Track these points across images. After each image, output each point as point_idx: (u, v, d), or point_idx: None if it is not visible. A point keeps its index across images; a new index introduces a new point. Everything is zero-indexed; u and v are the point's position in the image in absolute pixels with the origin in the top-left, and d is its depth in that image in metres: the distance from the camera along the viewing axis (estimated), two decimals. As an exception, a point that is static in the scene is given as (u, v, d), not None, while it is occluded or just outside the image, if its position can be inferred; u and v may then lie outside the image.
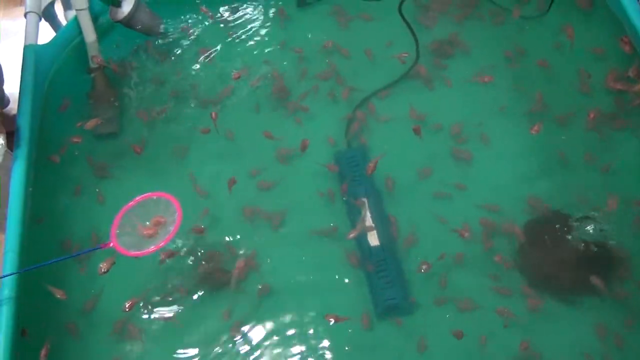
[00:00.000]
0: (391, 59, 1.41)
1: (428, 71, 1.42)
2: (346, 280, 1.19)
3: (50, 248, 1.18)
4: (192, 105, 1.39)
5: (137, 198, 1.06)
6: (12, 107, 1.33)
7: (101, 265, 1.11)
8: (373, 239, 1.21)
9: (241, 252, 1.22)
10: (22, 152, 1.10)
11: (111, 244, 1.02)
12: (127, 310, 1.11)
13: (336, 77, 1.42)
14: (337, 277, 1.19)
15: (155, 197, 1.07)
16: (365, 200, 1.24)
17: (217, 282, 1.18)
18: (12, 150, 1.12)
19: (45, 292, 1.09)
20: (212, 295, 1.17)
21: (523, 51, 1.44)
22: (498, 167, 1.31)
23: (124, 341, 1.13)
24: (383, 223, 1.23)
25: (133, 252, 1.03)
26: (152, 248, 1.03)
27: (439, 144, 1.33)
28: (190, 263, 1.20)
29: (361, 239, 1.21)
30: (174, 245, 1.19)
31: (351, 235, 1.19)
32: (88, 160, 1.30)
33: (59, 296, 1.08)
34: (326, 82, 1.42)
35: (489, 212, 1.24)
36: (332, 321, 1.11)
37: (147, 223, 1.05)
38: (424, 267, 1.16)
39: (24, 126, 1.13)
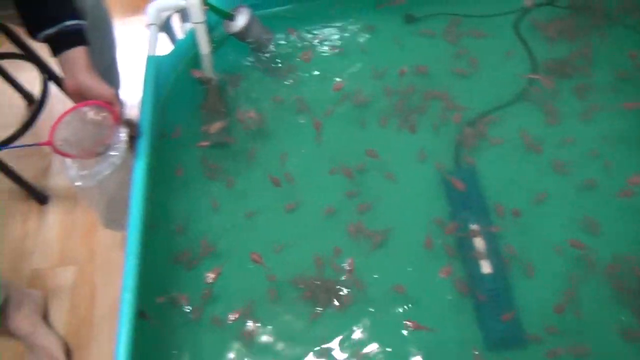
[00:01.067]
0: (503, 78, 1.36)
1: (544, 93, 1.36)
2: (453, 308, 1.15)
3: (162, 255, 1.22)
4: (298, 116, 1.40)
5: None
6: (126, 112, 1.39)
7: (208, 275, 1.13)
8: (485, 267, 1.16)
9: (344, 268, 1.20)
10: (142, 157, 1.13)
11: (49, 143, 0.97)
12: (232, 321, 1.12)
13: (445, 96, 1.38)
14: (443, 304, 1.15)
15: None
16: (476, 225, 1.20)
17: (322, 299, 1.17)
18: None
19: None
20: (316, 311, 1.16)
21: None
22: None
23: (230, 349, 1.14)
24: (495, 250, 1.18)
25: (73, 154, 1.00)
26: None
27: (555, 170, 1.27)
28: (292, 280, 1.20)
29: (472, 266, 1.17)
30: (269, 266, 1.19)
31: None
32: (202, 166, 1.33)
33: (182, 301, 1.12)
34: (435, 101, 1.38)
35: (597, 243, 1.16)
36: (410, 326, 1.08)
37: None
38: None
39: (146, 131, 1.16)
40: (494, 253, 1.18)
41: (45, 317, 1.37)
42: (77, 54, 0.98)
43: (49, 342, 1.30)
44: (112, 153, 1.04)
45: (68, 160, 1.03)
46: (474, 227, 1.20)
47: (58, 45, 0.98)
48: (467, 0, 1.52)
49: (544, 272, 1.17)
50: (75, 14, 0.99)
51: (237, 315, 1.13)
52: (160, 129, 1.28)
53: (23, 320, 1.30)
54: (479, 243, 1.18)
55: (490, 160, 1.30)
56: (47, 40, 0.98)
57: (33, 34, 0.98)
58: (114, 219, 1.23)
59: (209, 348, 1.13)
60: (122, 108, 1.03)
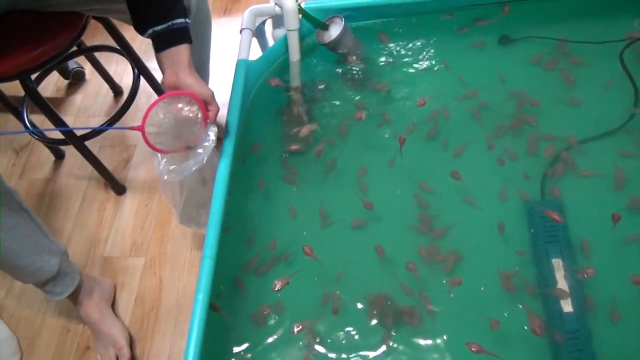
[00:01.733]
0: (599, 108, 1.30)
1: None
2: (526, 347, 1.09)
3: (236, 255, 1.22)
4: (380, 130, 1.38)
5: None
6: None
7: (276, 282, 1.12)
8: (566, 306, 1.10)
9: (414, 294, 1.17)
10: (227, 158, 1.14)
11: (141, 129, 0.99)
12: (294, 332, 1.11)
13: (537, 122, 1.34)
14: (514, 344, 1.10)
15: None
16: (560, 260, 1.14)
17: (389, 319, 1.14)
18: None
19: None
20: (384, 331, 1.13)
21: None
22: None
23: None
24: (577, 290, 1.12)
25: (158, 148, 1.02)
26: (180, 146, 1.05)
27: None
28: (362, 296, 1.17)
29: (550, 303, 1.11)
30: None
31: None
32: (283, 171, 1.34)
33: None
34: (525, 127, 1.34)
35: None
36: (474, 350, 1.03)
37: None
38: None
39: (232, 132, 1.17)
40: (576, 292, 1.12)
41: (113, 305, 1.41)
42: (181, 51, 1.00)
43: (115, 331, 1.33)
44: (199, 151, 1.06)
45: (159, 155, 1.05)
46: (556, 261, 1.14)
47: (163, 42, 1.00)
48: (565, 25, 1.47)
49: (630, 319, 1.09)
50: (184, 13, 1.01)
51: (300, 327, 1.12)
52: (244, 135, 1.30)
53: (92, 306, 1.34)
54: (561, 279, 1.13)
55: (578, 194, 1.24)
56: (155, 36, 1.00)
57: (141, 29, 1.01)
58: (190, 216, 1.24)
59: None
60: (217, 109, 1.05)
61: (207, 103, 1.02)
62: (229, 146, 1.14)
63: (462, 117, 1.37)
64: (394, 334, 1.13)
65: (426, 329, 1.13)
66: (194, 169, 1.04)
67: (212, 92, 1.02)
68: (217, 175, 1.11)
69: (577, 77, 1.39)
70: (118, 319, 1.37)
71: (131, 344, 1.35)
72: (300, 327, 1.11)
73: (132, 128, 0.98)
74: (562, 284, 1.12)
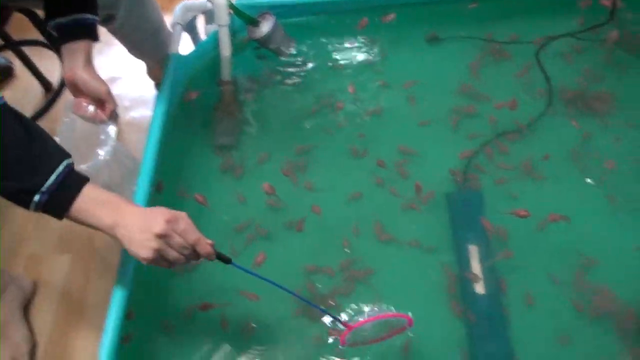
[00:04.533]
0: (520, 104, 1.39)
1: (558, 123, 1.38)
2: (446, 327, 1.14)
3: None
4: (309, 126, 1.42)
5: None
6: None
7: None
8: (479, 289, 1.16)
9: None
10: (150, 155, 1.14)
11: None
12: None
13: (454, 117, 1.40)
14: (436, 321, 1.15)
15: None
16: (475, 246, 1.21)
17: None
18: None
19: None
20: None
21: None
22: (615, 235, 1.23)
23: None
24: (492, 274, 1.18)
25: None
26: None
27: (554, 199, 1.27)
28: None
29: (467, 286, 1.17)
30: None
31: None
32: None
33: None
34: (449, 121, 1.41)
35: (602, 283, 1.16)
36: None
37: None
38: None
39: (156, 128, 1.18)
40: (492, 276, 1.18)
41: (27, 306, 1.35)
42: (81, 46, 0.99)
43: (18, 337, 1.27)
44: (100, 151, 1.07)
45: None
46: (472, 247, 1.20)
47: (64, 35, 0.99)
48: (492, 25, 1.55)
49: (543, 303, 1.16)
50: (94, 9, 1.01)
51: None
52: (172, 126, 1.30)
53: (3, 307, 1.28)
54: (477, 264, 1.19)
55: (495, 185, 1.30)
56: (58, 28, 0.99)
57: (48, 20, 1.00)
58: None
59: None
60: (114, 106, 1.04)
61: (103, 100, 1.02)
62: (154, 138, 1.15)
63: (392, 110, 1.43)
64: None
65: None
66: (98, 167, 1.05)
67: (108, 89, 1.01)
68: (140, 174, 1.11)
69: (499, 72, 1.47)
70: (26, 324, 1.31)
71: (33, 353, 1.28)
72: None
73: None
74: (476, 268, 1.18)
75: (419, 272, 1.21)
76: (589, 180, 1.30)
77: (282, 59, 1.47)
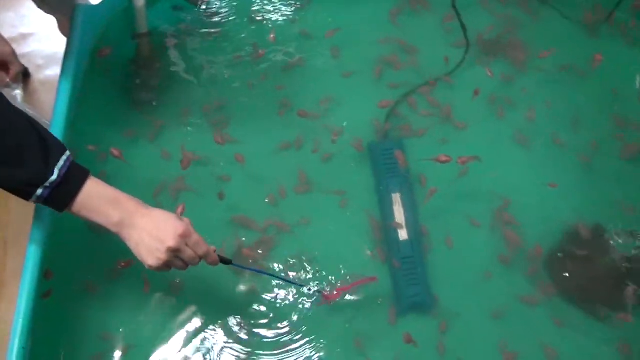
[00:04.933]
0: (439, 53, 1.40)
1: (472, 71, 1.40)
2: (372, 274, 1.17)
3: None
4: (229, 77, 1.38)
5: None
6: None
7: None
8: (402, 236, 1.20)
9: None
10: (61, 115, 1.10)
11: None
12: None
13: (377, 67, 1.40)
14: (363, 268, 1.18)
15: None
16: (398, 194, 1.24)
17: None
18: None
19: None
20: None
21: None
22: (530, 176, 1.30)
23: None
24: (413, 221, 1.22)
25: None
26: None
27: (473, 145, 1.32)
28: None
29: (390, 234, 1.21)
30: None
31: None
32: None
33: None
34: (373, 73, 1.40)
35: (517, 220, 1.23)
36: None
37: None
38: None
39: (65, 88, 1.13)
40: (414, 223, 1.22)
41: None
42: None
43: None
44: None
45: None
46: (395, 195, 1.23)
47: None
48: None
49: (462, 245, 1.22)
50: None
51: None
52: (82, 85, 1.24)
53: None
54: (399, 212, 1.22)
55: (417, 133, 1.33)
56: None
57: None
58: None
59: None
60: (20, 68, 0.99)
61: (6, 63, 0.96)
62: (64, 98, 1.10)
63: (314, 60, 1.41)
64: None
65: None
66: None
67: (11, 49, 0.96)
68: (52, 128, 1.06)
69: (417, 23, 1.47)
70: None
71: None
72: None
73: None
74: (399, 216, 1.22)
75: (344, 221, 1.24)
76: (505, 125, 1.35)
77: (199, 9, 1.42)
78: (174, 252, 0.83)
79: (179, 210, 1.12)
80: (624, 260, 1.17)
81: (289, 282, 1.13)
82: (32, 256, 0.94)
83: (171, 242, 0.81)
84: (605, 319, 1.14)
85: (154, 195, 1.22)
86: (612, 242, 1.18)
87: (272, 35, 1.39)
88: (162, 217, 0.84)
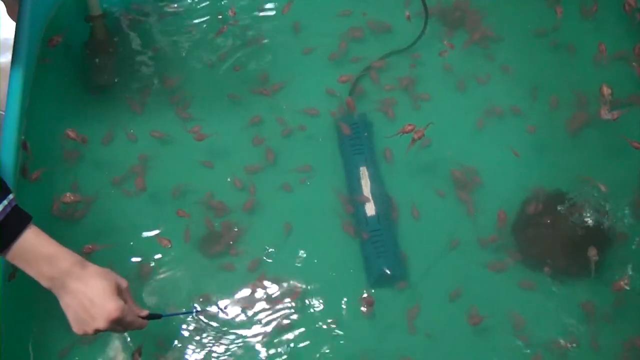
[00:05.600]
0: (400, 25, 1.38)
1: (432, 43, 1.40)
2: (341, 248, 1.20)
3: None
4: (188, 57, 1.36)
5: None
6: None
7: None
8: (369, 209, 1.21)
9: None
10: (15, 104, 1.07)
11: None
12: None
13: (343, 46, 1.39)
14: (332, 243, 1.21)
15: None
16: (364, 168, 1.24)
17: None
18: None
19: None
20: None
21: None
22: (493, 145, 1.31)
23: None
24: (380, 194, 1.23)
25: None
26: None
27: (436, 117, 1.29)
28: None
29: (358, 208, 1.22)
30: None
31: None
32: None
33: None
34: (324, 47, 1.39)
35: (481, 189, 1.25)
36: None
37: None
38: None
39: (17, 76, 1.10)
40: (379, 195, 1.23)
41: None
42: None
43: None
44: None
45: None
46: (362, 169, 1.24)
47: None
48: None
49: (428, 215, 1.24)
50: None
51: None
52: (35, 71, 1.22)
53: None
54: (366, 186, 1.23)
55: (381, 107, 1.33)
56: None
57: None
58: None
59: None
60: None
61: None
62: (17, 81, 1.07)
63: (274, 37, 1.40)
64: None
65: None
66: None
67: None
68: (4, 131, 1.04)
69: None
70: None
71: None
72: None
73: None
74: (366, 190, 1.23)
75: (312, 197, 1.25)
76: (467, 96, 1.35)
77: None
78: (102, 331, 0.81)
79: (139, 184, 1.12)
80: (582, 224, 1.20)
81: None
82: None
83: (101, 324, 0.79)
84: (567, 281, 1.18)
85: (117, 181, 1.22)
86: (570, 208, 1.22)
87: (231, 11, 1.36)
88: (97, 289, 0.79)
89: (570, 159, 1.29)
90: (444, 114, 1.32)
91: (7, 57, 1.53)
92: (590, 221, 1.19)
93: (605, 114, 1.17)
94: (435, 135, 1.25)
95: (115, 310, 0.79)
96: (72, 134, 1.15)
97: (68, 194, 1.11)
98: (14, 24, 1.54)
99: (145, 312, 0.88)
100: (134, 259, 1.16)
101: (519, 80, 1.36)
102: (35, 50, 1.23)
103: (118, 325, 0.81)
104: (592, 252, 1.13)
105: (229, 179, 1.24)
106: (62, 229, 1.13)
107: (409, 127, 1.18)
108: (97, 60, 1.30)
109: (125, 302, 0.83)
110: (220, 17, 1.39)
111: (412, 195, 1.25)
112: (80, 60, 1.32)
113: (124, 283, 0.85)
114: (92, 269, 0.81)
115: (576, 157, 1.29)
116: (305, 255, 1.19)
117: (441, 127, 1.25)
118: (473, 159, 1.28)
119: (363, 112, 1.32)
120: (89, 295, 0.78)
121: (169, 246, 1.14)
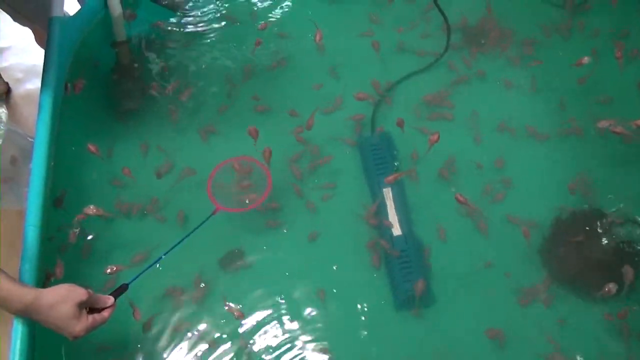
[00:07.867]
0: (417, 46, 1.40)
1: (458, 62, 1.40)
2: (366, 265, 1.19)
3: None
4: (215, 84, 1.38)
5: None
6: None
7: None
8: (396, 230, 1.19)
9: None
10: (44, 130, 1.09)
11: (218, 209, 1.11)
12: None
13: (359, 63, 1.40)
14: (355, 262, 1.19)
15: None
16: (389, 189, 1.23)
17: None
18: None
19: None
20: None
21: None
22: (531, 162, 1.30)
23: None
24: (406, 214, 1.21)
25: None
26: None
27: (463, 135, 1.31)
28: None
29: (384, 228, 1.20)
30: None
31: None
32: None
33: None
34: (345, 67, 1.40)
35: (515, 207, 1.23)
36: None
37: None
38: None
39: (46, 101, 1.11)
40: (405, 217, 1.21)
41: None
42: None
43: None
44: None
45: None
46: (386, 190, 1.23)
47: None
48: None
49: (455, 236, 1.22)
50: None
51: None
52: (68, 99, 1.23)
53: None
54: (391, 207, 1.22)
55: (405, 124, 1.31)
56: None
57: None
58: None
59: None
60: (2, 86, 0.96)
61: None
62: (45, 118, 1.09)
63: (299, 57, 1.41)
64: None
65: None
66: None
67: None
68: (35, 151, 1.06)
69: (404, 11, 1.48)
70: None
71: None
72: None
73: None
74: (391, 211, 1.21)
75: (339, 214, 1.24)
76: (492, 112, 1.35)
77: (179, 13, 1.40)
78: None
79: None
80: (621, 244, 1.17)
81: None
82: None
83: (75, 338, 0.85)
84: (600, 300, 1.13)
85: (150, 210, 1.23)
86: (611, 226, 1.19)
87: (257, 39, 1.38)
88: (58, 318, 0.83)
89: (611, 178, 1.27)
90: (468, 131, 1.32)
91: (34, 84, 1.58)
92: (626, 241, 1.16)
93: None
94: (465, 153, 1.25)
95: (80, 331, 0.84)
96: (92, 148, 1.17)
97: (92, 207, 1.13)
98: (40, 50, 1.58)
99: (111, 299, 0.91)
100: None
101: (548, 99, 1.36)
102: (64, 77, 1.24)
103: (93, 329, 0.87)
104: (629, 272, 1.10)
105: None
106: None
107: (436, 137, 1.18)
108: (123, 85, 1.33)
109: (93, 306, 0.88)
110: (245, 45, 1.42)
111: (437, 216, 1.23)
112: (106, 86, 1.34)
113: (83, 296, 0.86)
114: (47, 299, 0.83)
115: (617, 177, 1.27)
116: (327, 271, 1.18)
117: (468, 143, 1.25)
118: (505, 168, 1.27)
119: (385, 131, 1.32)
120: (53, 323, 0.83)
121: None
